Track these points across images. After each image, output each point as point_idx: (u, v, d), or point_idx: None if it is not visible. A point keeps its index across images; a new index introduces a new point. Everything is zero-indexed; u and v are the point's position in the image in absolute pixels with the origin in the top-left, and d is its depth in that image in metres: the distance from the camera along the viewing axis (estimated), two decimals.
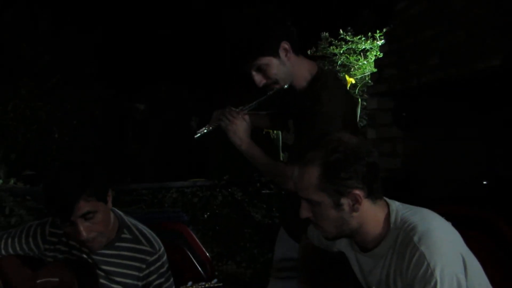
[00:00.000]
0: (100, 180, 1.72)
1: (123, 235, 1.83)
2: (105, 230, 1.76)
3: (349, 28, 4.77)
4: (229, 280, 4.35)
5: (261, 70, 1.81)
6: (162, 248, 1.85)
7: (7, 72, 7.15)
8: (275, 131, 4.60)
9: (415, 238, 1.35)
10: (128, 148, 9.07)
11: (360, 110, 4.26)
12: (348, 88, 3.88)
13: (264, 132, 4.58)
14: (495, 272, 1.54)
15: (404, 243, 1.38)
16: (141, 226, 1.89)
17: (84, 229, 1.67)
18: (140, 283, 1.81)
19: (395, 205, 1.46)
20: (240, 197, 4.62)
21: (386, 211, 1.45)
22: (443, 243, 1.34)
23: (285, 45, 1.80)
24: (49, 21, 7.59)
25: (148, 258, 1.81)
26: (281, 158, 4.37)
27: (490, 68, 2.47)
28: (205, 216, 4.62)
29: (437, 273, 1.29)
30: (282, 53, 1.81)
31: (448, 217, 1.47)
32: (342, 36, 4.73)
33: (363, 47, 4.67)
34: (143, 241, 1.83)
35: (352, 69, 4.68)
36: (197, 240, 2.40)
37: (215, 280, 1.57)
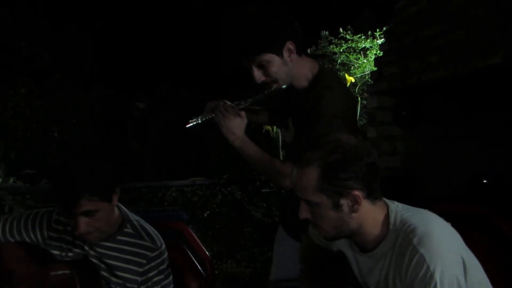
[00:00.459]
0: (106, 181, 1.72)
1: (125, 229, 1.85)
2: (104, 227, 1.77)
3: (349, 26, 4.76)
4: (229, 279, 4.35)
5: (262, 66, 1.79)
6: (164, 245, 1.86)
7: (7, 71, 7.15)
8: (274, 130, 4.60)
9: (415, 240, 1.34)
10: (127, 146, 9.06)
11: (360, 109, 4.26)
12: (348, 86, 3.88)
13: (263, 131, 4.58)
14: (495, 271, 1.54)
15: (403, 245, 1.37)
16: (144, 223, 1.90)
17: (82, 224, 1.69)
18: (139, 278, 1.82)
19: (394, 205, 1.46)
20: (240, 196, 4.61)
21: (385, 211, 1.44)
22: (443, 245, 1.34)
23: (290, 45, 1.79)
24: (48, 20, 7.58)
25: (149, 253, 1.82)
26: (281, 157, 4.37)
27: (490, 67, 2.47)
28: (205, 215, 4.62)
29: (437, 276, 1.28)
30: (285, 53, 1.79)
31: (448, 216, 1.47)
32: (342, 34, 4.72)
33: (363, 45, 4.67)
34: (145, 237, 1.84)
35: (352, 68, 4.67)
36: (197, 239, 2.40)
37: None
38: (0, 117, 7.01)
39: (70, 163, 1.76)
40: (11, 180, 4.64)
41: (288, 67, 1.81)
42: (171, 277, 1.87)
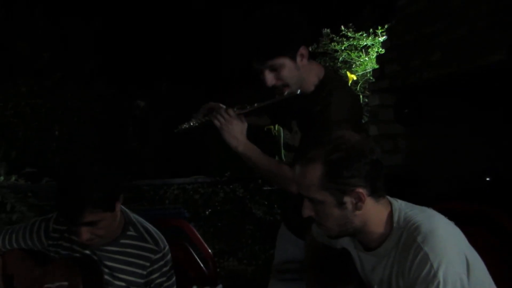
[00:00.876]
0: (110, 191, 1.69)
1: (128, 232, 1.83)
2: (107, 234, 1.75)
3: (350, 24, 4.75)
4: (231, 276, 4.36)
5: (274, 70, 1.77)
6: (167, 247, 1.84)
7: (7, 70, 7.15)
8: (276, 128, 4.59)
9: (419, 238, 1.33)
10: (128, 145, 9.07)
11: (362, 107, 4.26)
12: (349, 85, 3.87)
13: (265, 129, 4.57)
14: (498, 269, 1.53)
15: (407, 243, 1.36)
16: (146, 224, 1.88)
17: (85, 233, 1.68)
18: (142, 281, 1.81)
19: (398, 203, 1.45)
20: (241, 194, 4.62)
21: (389, 209, 1.44)
22: (447, 244, 1.33)
23: (303, 50, 1.78)
24: (48, 19, 7.58)
25: (152, 256, 1.81)
26: (283, 156, 4.36)
27: (492, 65, 2.47)
28: (207, 212, 4.62)
29: (440, 274, 1.28)
30: (298, 58, 1.78)
31: (450, 214, 1.46)
32: (343, 32, 4.71)
33: (365, 43, 4.66)
34: (148, 238, 1.83)
35: (353, 66, 4.66)
36: (199, 237, 2.40)
37: (220, 286, 1.56)
38: (1, 116, 7.01)
39: (73, 174, 1.71)
40: (13, 178, 4.64)
41: (299, 72, 1.80)
42: (174, 279, 1.86)
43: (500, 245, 1.84)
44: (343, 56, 4.70)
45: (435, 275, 1.28)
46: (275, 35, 1.73)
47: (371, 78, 3.96)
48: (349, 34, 4.67)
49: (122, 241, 1.82)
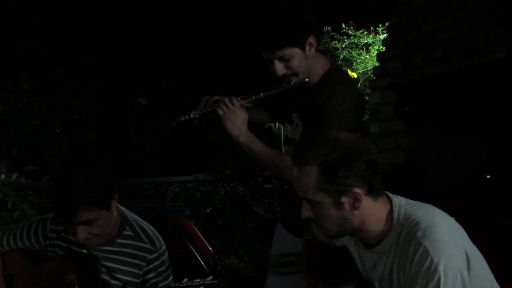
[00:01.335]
0: (105, 189, 1.68)
1: (124, 232, 1.83)
2: (103, 233, 1.75)
3: (351, 22, 4.75)
4: (231, 274, 4.36)
5: (284, 59, 1.79)
6: (164, 247, 1.84)
7: (9, 67, 7.16)
8: (277, 126, 4.59)
9: (419, 234, 1.34)
10: (129, 142, 9.07)
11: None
12: None
13: (266, 127, 4.57)
14: (499, 266, 1.54)
15: (407, 239, 1.37)
16: (143, 223, 1.88)
17: (81, 232, 1.67)
18: (138, 280, 1.81)
19: (397, 200, 1.46)
20: (242, 192, 4.61)
21: (388, 207, 1.44)
22: (447, 239, 1.34)
23: (312, 39, 1.79)
24: (48, 15, 7.58)
25: (148, 256, 1.80)
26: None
27: (494, 62, 2.46)
28: (207, 210, 4.62)
29: (441, 269, 1.28)
30: (307, 47, 1.79)
31: (451, 211, 1.46)
32: (344, 30, 4.71)
33: (366, 41, 4.66)
34: (144, 238, 1.82)
35: (354, 64, 4.66)
36: (200, 235, 2.41)
37: (211, 277, 1.56)
38: (2, 113, 7.02)
39: (67, 173, 1.70)
40: (14, 176, 4.64)
41: (308, 61, 1.81)
42: (170, 279, 1.85)
43: (501, 242, 1.84)
44: (343, 54, 4.70)
45: (436, 269, 1.29)
46: (284, 25, 1.73)
47: (372, 76, 3.96)
48: (350, 32, 4.67)
49: (119, 240, 1.82)
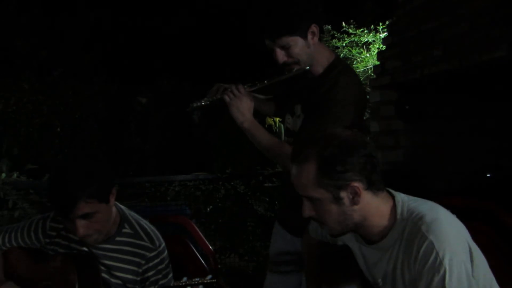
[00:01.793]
0: (104, 182, 1.69)
1: (124, 230, 1.83)
2: (103, 228, 1.75)
3: (351, 20, 4.75)
4: (232, 273, 4.37)
5: (285, 48, 1.81)
6: (163, 245, 1.84)
7: (9, 66, 7.16)
8: (277, 125, 4.60)
9: (424, 228, 1.34)
10: (130, 141, 9.08)
11: None
12: None
13: (266, 125, 4.58)
14: (499, 265, 1.54)
15: (412, 233, 1.37)
16: (142, 221, 1.88)
17: (82, 227, 1.67)
18: (138, 278, 1.81)
19: (400, 196, 1.45)
20: (242, 191, 4.61)
21: (391, 203, 1.44)
22: (451, 233, 1.34)
23: (314, 28, 1.82)
24: (48, 13, 7.58)
25: (147, 254, 1.80)
26: None
27: (494, 60, 2.46)
28: (208, 209, 4.62)
29: (446, 262, 1.29)
30: (309, 35, 1.82)
31: (451, 209, 1.46)
32: (344, 29, 4.71)
33: (366, 40, 4.66)
34: (144, 236, 1.82)
35: (354, 62, 4.66)
36: (200, 233, 2.40)
37: (210, 276, 1.56)
38: (3, 112, 7.03)
39: (65, 167, 1.72)
40: (15, 175, 4.64)
41: (310, 49, 1.84)
42: (170, 276, 1.85)
43: (501, 241, 1.84)
44: (344, 52, 4.71)
45: (441, 263, 1.29)
46: (284, 14, 1.76)
47: (372, 74, 3.96)
48: (350, 31, 4.67)
49: (118, 238, 1.82)
